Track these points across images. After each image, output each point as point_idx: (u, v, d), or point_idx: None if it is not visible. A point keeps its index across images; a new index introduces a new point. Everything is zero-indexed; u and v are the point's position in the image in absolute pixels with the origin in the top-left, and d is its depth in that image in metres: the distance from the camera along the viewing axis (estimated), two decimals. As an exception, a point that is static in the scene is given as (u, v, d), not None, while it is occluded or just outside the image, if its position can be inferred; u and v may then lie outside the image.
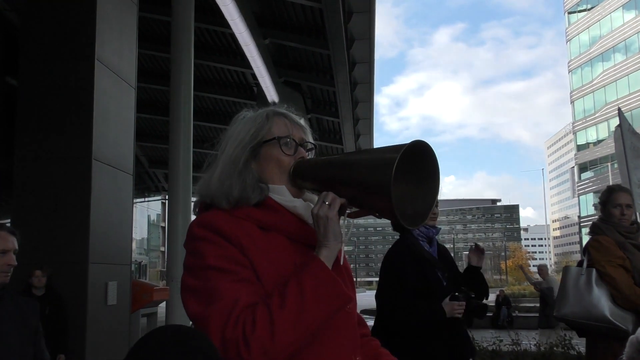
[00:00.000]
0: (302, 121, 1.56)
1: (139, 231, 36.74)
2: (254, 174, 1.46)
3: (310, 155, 1.55)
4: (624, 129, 4.65)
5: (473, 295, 3.14)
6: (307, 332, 1.28)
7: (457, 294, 3.10)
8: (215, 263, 1.34)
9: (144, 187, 22.12)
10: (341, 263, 1.40)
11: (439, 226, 3.52)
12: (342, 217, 1.38)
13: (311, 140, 1.55)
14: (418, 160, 1.35)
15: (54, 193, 6.15)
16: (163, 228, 47.94)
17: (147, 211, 41.35)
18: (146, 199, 28.26)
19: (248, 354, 1.22)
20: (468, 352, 3.32)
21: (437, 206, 3.40)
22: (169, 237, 10.67)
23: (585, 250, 3.54)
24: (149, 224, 44.37)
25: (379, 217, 1.36)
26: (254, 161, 1.48)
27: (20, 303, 2.28)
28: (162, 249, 51.06)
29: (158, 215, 46.84)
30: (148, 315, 9.20)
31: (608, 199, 3.53)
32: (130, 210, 7.25)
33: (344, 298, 1.33)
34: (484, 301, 3.39)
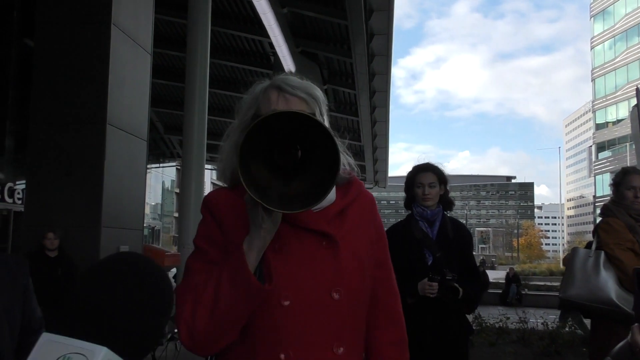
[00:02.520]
0: (305, 90, 1.45)
1: (153, 196, 36.99)
2: None
3: None
4: (641, 110, 4.58)
5: (449, 277, 3.13)
6: (225, 318, 1.26)
7: (431, 274, 3.12)
8: (197, 242, 1.42)
9: (158, 153, 22.19)
10: (263, 248, 1.28)
11: (437, 207, 3.48)
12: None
13: (312, 110, 1.43)
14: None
15: (67, 156, 6.20)
16: (177, 194, 48.29)
17: (161, 177, 41.57)
18: (161, 165, 28.38)
19: (179, 333, 1.29)
20: (462, 331, 3.34)
21: (432, 187, 3.40)
22: (181, 204, 10.72)
23: (594, 232, 3.52)
24: (163, 189, 44.64)
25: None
26: None
27: (9, 262, 2.27)
28: (175, 214, 51.45)
29: (172, 181, 47.09)
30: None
31: (622, 180, 3.48)
32: (144, 175, 7.31)
33: (253, 288, 1.25)
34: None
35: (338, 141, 1.22)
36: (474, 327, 9.23)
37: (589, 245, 3.55)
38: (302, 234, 1.38)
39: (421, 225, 3.39)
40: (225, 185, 1.50)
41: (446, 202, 3.49)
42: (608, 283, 3.25)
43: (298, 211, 1.21)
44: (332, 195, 1.44)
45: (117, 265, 1.28)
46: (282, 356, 1.31)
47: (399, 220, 3.66)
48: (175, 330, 4.39)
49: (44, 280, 5.22)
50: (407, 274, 3.05)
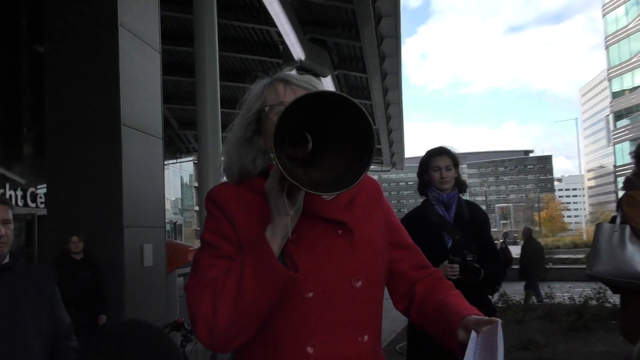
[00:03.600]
0: (309, 82, 1.47)
1: (173, 192, 37.30)
2: (260, 146, 1.44)
3: None
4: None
5: (470, 258, 3.12)
6: (248, 311, 1.23)
7: (451, 257, 3.12)
8: (207, 237, 1.38)
9: (174, 149, 22.32)
10: (289, 237, 1.26)
11: (452, 190, 3.45)
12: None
13: None
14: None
15: (85, 160, 6.25)
16: (196, 188, 48.65)
17: (179, 172, 41.85)
18: (178, 160, 28.54)
19: (197, 331, 1.25)
20: (484, 312, 3.32)
21: (448, 170, 3.39)
22: (202, 198, 10.80)
23: (618, 206, 3.46)
24: (182, 184, 44.96)
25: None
26: (260, 135, 1.46)
27: (32, 271, 2.30)
28: (196, 208, 51.86)
29: (190, 175, 47.40)
30: (184, 275, 9.40)
31: (644, 152, 3.42)
32: (162, 173, 7.34)
33: (281, 276, 1.22)
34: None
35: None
36: (499, 305, 9.23)
37: (613, 220, 3.50)
38: (316, 224, 1.37)
39: (437, 209, 3.40)
40: (230, 181, 1.48)
41: (460, 185, 3.50)
42: (635, 257, 3.20)
43: (331, 193, 1.20)
44: None
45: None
46: (310, 349, 1.30)
47: (419, 200, 3.66)
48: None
49: (71, 283, 5.30)
50: (427, 258, 3.05)
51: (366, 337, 1.37)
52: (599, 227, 3.50)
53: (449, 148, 3.49)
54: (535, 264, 13.33)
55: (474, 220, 3.41)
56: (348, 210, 1.43)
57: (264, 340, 1.32)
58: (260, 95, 1.47)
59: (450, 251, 3.24)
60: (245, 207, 1.38)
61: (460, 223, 3.35)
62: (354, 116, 1.17)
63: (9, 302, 2.13)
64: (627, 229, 3.28)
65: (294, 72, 1.50)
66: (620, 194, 3.56)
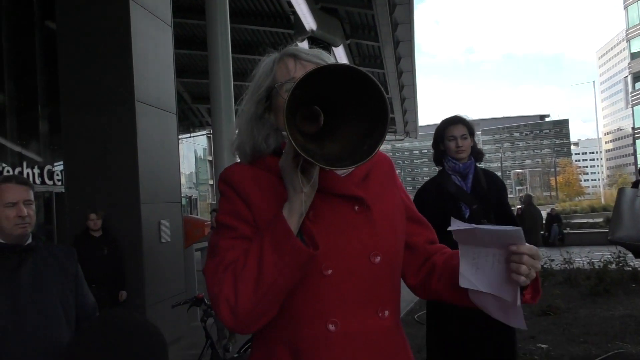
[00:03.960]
0: (319, 56, 1.43)
1: (187, 166, 37.39)
2: (271, 123, 1.42)
3: None
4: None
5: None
6: (269, 291, 1.21)
7: None
8: (222, 219, 1.36)
9: (188, 123, 22.36)
10: (303, 213, 1.24)
11: (469, 159, 3.41)
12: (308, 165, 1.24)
13: None
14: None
15: (101, 138, 6.28)
16: (210, 162, 48.77)
17: (193, 146, 42.02)
18: (191, 135, 28.61)
19: (219, 313, 1.24)
20: None
21: (464, 139, 3.34)
22: (216, 172, 10.82)
23: (639, 172, 3.40)
24: (197, 158, 45.19)
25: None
26: (271, 112, 1.44)
27: (56, 251, 2.32)
28: (210, 182, 52.08)
29: (204, 149, 47.61)
30: (202, 250, 9.48)
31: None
32: (176, 149, 7.36)
33: (301, 254, 1.21)
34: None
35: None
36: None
37: (635, 184, 3.45)
38: (333, 200, 1.35)
39: (454, 179, 3.37)
40: (243, 160, 1.46)
41: (477, 153, 3.46)
42: (658, 222, 3.16)
43: (348, 168, 1.18)
44: None
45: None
46: (331, 327, 1.30)
47: (433, 169, 3.63)
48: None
49: (91, 260, 5.35)
50: (445, 229, 3.03)
51: (387, 313, 1.37)
52: (621, 192, 3.45)
53: (464, 117, 3.44)
54: (531, 231, 13.47)
55: (492, 189, 3.38)
56: (363, 186, 1.42)
57: (284, 318, 1.32)
58: (270, 72, 1.44)
59: (468, 221, 3.20)
60: (260, 187, 1.36)
61: (478, 192, 3.32)
62: (366, 88, 1.14)
63: (37, 283, 2.16)
64: (650, 193, 3.23)
65: (305, 44, 1.47)
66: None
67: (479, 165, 3.50)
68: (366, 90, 1.15)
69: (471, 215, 3.24)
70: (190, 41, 15.20)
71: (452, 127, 3.39)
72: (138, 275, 6.18)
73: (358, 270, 1.34)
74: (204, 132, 29.21)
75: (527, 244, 1.27)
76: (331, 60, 1.44)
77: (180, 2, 12.98)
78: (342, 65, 1.13)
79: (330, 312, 1.31)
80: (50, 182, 10.94)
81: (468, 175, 3.36)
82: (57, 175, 11.01)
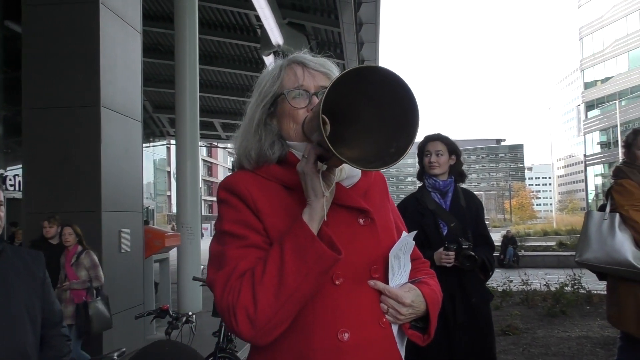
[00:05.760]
0: (325, 66, 1.45)
1: (146, 176, 36.80)
2: (275, 130, 1.42)
3: None
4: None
5: (465, 246, 3.15)
6: (291, 299, 1.21)
7: (447, 244, 3.14)
8: (229, 228, 1.34)
9: (149, 132, 22.02)
10: (324, 218, 1.25)
11: (449, 178, 3.46)
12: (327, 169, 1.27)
13: None
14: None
15: (64, 142, 6.11)
16: (168, 172, 48.11)
17: (152, 156, 41.37)
18: (151, 144, 28.18)
19: (236, 323, 1.21)
20: (482, 298, 3.34)
21: (438, 155, 3.40)
22: (178, 183, 10.66)
23: (608, 194, 3.49)
24: (155, 168, 44.47)
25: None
26: (274, 118, 1.44)
27: (24, 256, 2.23)
28: (167, 193, 51.33)
29: (163, 159, 46.86)
30: (160, 261, 9.29)
31: (634, 141, 3.45)
32: (140, 157, 7.22)
33: (326, 258, 1.21)
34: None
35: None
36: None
37: (602, 208, 3.53)
38: (339, 211, 1.36)
39: (433, 196, 3.43)
40: (246, 166, 1.44)
41: (458, 174, 3.52)
42: (624, 244, 3.24)
43: (378, 169, 1.17)
44: (357, 170, 1.42)
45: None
46: (345, 336, 1.30)
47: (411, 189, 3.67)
48: (190, 313, 4.37)
49: (49, 268, 5.16)
50: (423, 244, 3.06)
51: (384, 321, 1.39)
52: (588, 215, 3.52)
53: (445, 135, 3.50)
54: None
55: (471, 208, 3.44)
56: (365, 199, 1.43)
57: (296, 328, 1.30)
58: (277, 78, 1.44)
59: (445, 238, 3.24)
60: (267, 195, 1.36)
61: (456, 210, 3.36)
62: (394, 90, 1.14)
63: (4, 286, 2.06)
64: (617, 217, 3.32)
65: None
66: (590, 183, 3.60)
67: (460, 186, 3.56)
68: (395, 94, 1.14)
69: (449, 233, 3.28)
70: (155, 49, 15.04)
71: (430, 143, 3.48)
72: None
73: (364, 281, 1.36)
74: (163, 142, 28.79)
75: (396, 290, 1.37)
76: (335, 70, 1.46)
77: (148, 9, 12.84)
78: (373, 68, 1.12)
79: (341, 322, 1.32)
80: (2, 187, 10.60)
81: (447, 194, 3.43)
82: (10, 180, 10.68)
